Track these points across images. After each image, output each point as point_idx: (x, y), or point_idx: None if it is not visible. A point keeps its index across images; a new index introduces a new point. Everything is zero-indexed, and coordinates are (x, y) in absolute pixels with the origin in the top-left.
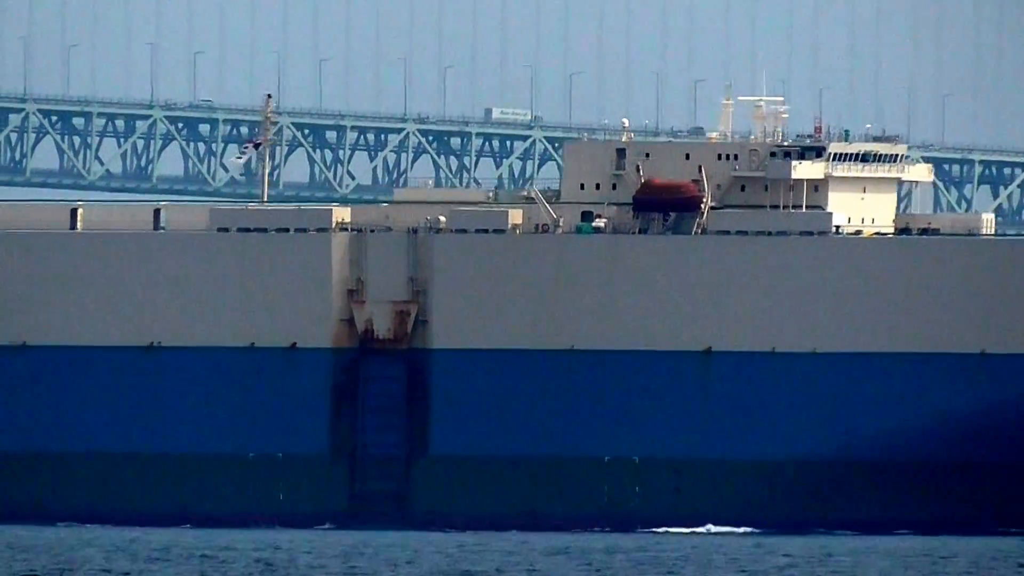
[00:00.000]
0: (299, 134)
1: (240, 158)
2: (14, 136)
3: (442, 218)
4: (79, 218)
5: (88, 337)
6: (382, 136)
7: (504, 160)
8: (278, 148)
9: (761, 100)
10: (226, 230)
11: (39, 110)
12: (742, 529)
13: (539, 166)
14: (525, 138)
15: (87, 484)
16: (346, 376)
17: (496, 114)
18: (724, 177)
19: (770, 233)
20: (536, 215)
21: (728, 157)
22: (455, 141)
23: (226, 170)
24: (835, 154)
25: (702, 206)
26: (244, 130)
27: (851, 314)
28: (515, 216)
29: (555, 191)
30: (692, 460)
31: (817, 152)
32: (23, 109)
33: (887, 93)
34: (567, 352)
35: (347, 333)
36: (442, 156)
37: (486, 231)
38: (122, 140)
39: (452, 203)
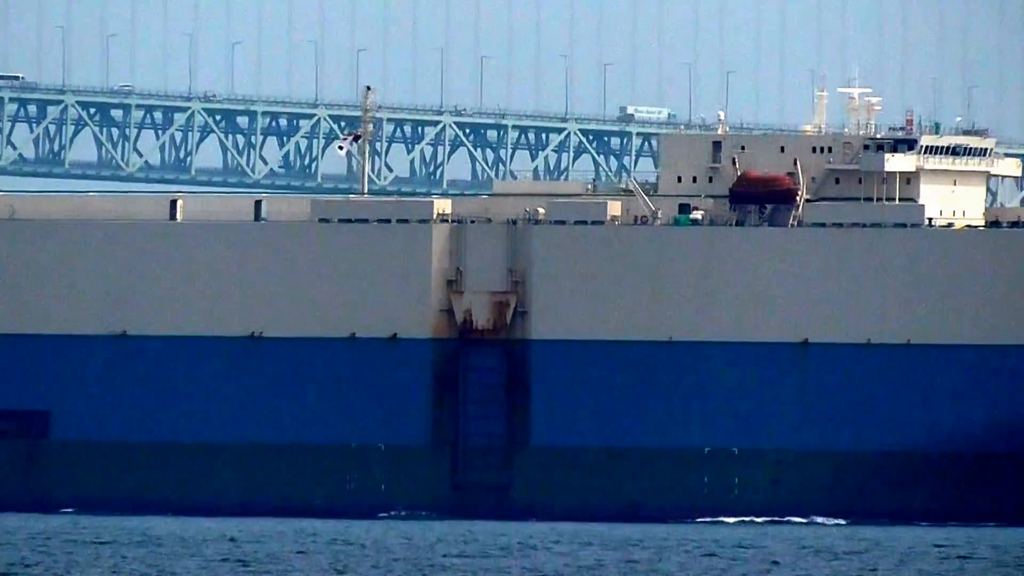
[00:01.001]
0: (336, 127)
1: (342, 149)
2: (52, 128)
3: (541, 209)
4: (179, 209)
5: (189, 327)
6: (419, 128)
7: (539, 152)
8: (315, 141)
9: (854, 93)
10: (327, 221)
11: (78, 102)
12: (835, 521)
13: (574, 159)
14: (560, 131)
15: (187, 474)
16: (446, 366)
17: (631, 111)
18: (818, 170)
19: (864, 225)
20: (634, 207)
21: (822, 150)
22: (491, 134)
23: (265, 162)
24: (927, 147)
25: (797, 198)
26: (283, 122)
27: (945, 306)
28: (613, 208)
29: (653, 184)
30: (790, 451)
31: (909, 145)
32: (62, 101)
33: (975, 87)
34: (665, 343)
35: (447, 323)
36: (478, 149)
37: (585, 223)
38: (160, 132)
39: (551, 195)
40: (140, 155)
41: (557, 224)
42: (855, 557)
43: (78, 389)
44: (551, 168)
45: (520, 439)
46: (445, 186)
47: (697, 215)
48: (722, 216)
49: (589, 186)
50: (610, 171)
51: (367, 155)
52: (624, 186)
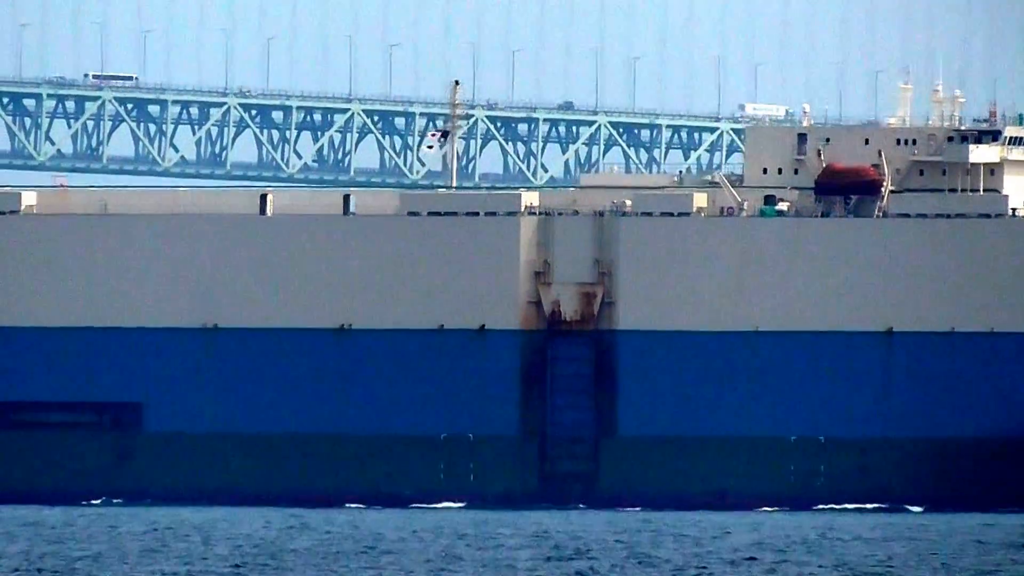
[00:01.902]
0: (369, 121)
1: (431, 147)
2: (90, 124)
3: (628, 201)
4: (269, 204)
5: (279, 320)
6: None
7: (570, 145)
8: (348, 136)
9: (938, 85)
10: (416, 214)
11: (115, 98)
12: (916, 508)
13: (604, 151)
14: (591, 123)
15: (277, 466)
16: (534, 357)
17: (749, 109)
18: (903, 161)
19: (948, 216)
20: (720, 199)
21: (907, 142)
22: (522, 127)
23: (299, 156)
24: (1011, 138)
25: (882, 190)
26: (317, 117)
27: None
28: (699, 200)
29: (738, 175)
30: (876, 439)
31: (993, 136)
32: (99, 97)
33: None
34: (752, 333)
35: (535, 315)
36: (510, 143)
37: (671, 214)
38: (196, 127)
39: (637, 187)
40: (176, 150)
41: (644, 216)
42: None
43: (170, 381)
44: (581, 161)
45: (607, 429)
46: (477, 180)
47: (782, 206)
48: (807, 207)
49: (675, 178)
50: (640, 163)
51: (455, 149)
52: (710, 178)
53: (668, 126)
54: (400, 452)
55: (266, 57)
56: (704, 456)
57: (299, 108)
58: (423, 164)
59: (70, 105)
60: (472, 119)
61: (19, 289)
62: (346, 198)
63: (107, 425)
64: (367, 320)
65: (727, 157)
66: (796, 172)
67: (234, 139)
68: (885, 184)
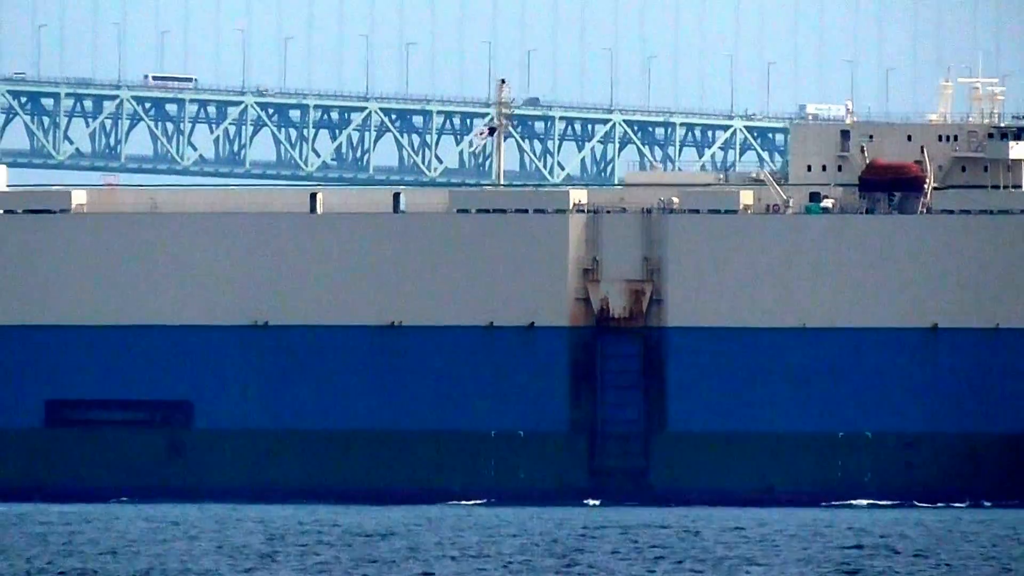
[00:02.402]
0: (387, 119)
1: (473, 145)
2: (109, 123)
3: (675, 199)
4: (319, 202)
5: (330, 317)
6: (468, 121)
7: (586, 143)
8: (366, 134)
9: (978, 82)
10: (466, 211)
11: (133, 97)
12: (959, 504)
13: (620, 149)
14: (605, 122)
15: (327, 462)
16: (583, 354)
17: (811, 109)
18: (945, 158)
19: (991, 212)
20: (766, 196)
21: (948, 138)
22: (539, 126)
23: (318, 155)
24: None
25: (925, 186)
26: (335, 115)
27: None
28: (746, 197)
29: (783, 173)
30: (921, 435)
31: None
32: (117, 96)
33: None
34: (798, 330)
35: (583, 312)
36: (527, 141)
37: (718, 211)
38: (214, 126)
39: (684, 185)
40: (195, 149)
41: (691, 213)
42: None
43: (220, 379)
44: (597, 159)
45: (657, 425)
46: (494, 177)
47: (827, 203)
48: (852, 204)
49: (721, 176)
50: (655, 160)
51: (502, 148)
52: (755, 176)
53: (682, 124)
54: (450, 448)
55: (283, 56)
56: (752, 452)
57: (316, 107)
58: (440, 161)
59: (88, 104)
60: (488, 117)
61: (71, 288)
62: (396, 196)
63: (158, 422)
64: (417, 317)
65: (741, 155)
66: (840, 169)
67: (252, 138)
68: (928, 180)
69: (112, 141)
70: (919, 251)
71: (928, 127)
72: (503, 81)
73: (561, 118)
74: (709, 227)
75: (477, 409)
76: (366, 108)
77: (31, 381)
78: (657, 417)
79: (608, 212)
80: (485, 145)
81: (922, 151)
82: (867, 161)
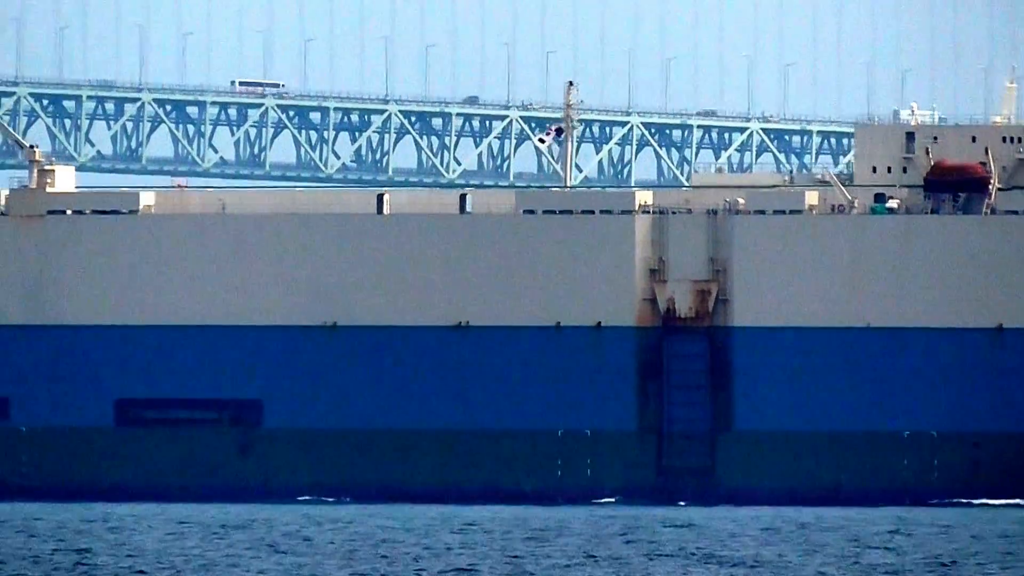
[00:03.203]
0: (406, 122)
1: (544, 143)
2: (129, 125)
3: (741, 200)
4: (386, 203)
5: (397, 317)
6: (487, 123)
7: (604, 146)
8: (385, 136)
9: None
10: (532, 212)
11: (154, 99)
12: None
13: (637, 152)
14: (623, 124)
15: (395, 461)
16: (650, 354)
17: (904, 115)
18: (1009, 159)
19: None
20: (831, 197)
21: (1013, 140)
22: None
23: (337, 156)
24: None
25: (990, 187)
26: (355, 118)
27: None
28: (811, 197)
29: (848, 174)
30: (988, 434)
31: None
32: (139, 99)
33: None
34: (863, 330)
35: (650, 312)
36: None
37: (783, 212)
38: (235, 128)
39: (748, 186)
40: (216, 150)
41: (757, 214)
42: None
43: (289, 379)
44: (615, 161)
45: (723, 424)
46: (512, 179)
47: (892, 204)
48: (917, 205)
49: (786, 177)
50: (672, 163)
51: (571, 149)
52: (820, 177)
53: (699, 126)
54: (518, 448)
55: (303, 58)
56: (818, 451)
57: (336, 109)
58: (459, 163)
59: (110, 107)
60: (507, 120)
61: (141, 288)
62: (462, 197)
63: (227, 422)
64: (484, 318)
65: (757, 157)
66: (905, 171)
67: (272, 140)
68: (992, 181)
69: (133, 143)
70: (984, 251)
71: (993, 128)
72: (571, 83)
73: (579, 120)
74: (774, 227)
75: (544, 409)
76: (386, 110)
77: (101, 380)
78: (723, 416)
79: (674, 213)
80: (551, 147)
81: (986, 152)
82: (932, 162)
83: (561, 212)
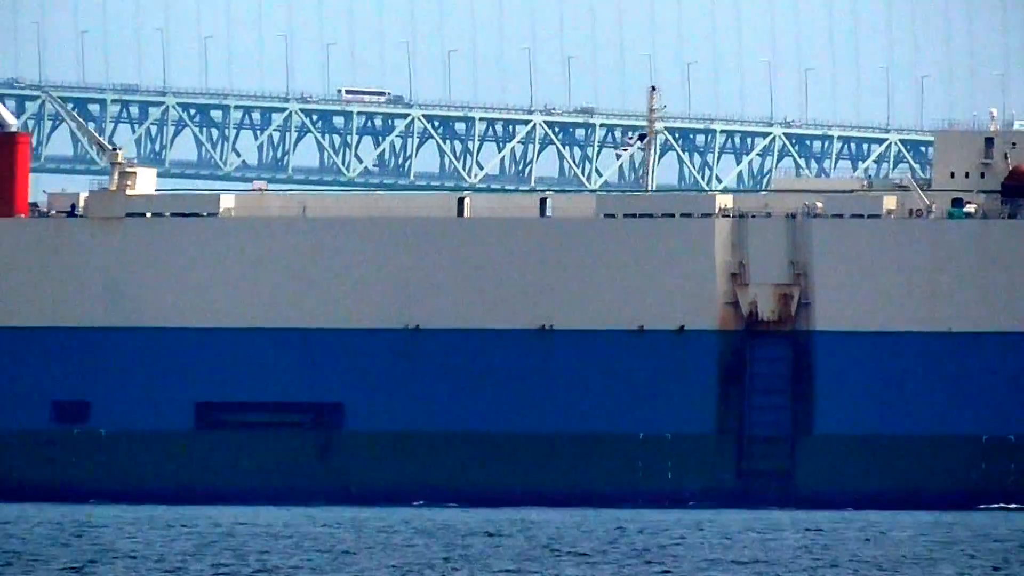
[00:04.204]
0: (429, 126)
1: (625, 149)
2: (153, 128)
3: (819, 204)
4: (466, 206)
5: (479, 320)
6: (510, 127)
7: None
8: (409, 140)
9: None
10: (612, 216)
11: (178, 103)
12: None
13: (660, 156)
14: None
15: (476, 464)
16: (732, 357)
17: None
18: None
19: None
20: (909, 201)
21: None
22: (578, 132)
23: (360, 160)
24: None
25: None
26: (378, 122)
27: None
28: (889, 202)
29: (926, 179)
30: None
31: None
32: (163, 103)
33: None
34: (944, 334)
35: (732, 315)
36: (566, 147)
37: (861, 216)
38: (258, 132)
39: (827, 191)
40: (238, 155)
41: (836, 218)
42: None
43: (371, 381)
44: (635, 165)
45: (804, 428)
46: (533, 183)
47: (970, 208)
48: (994, 210)
49: (864, 182)
50: (693, 167)
51: (652, 154)
52: (899, 182)
53: (723, 131)
54: (599, 451)
55: (326, 63)
56: (898, 455)
57: (359, 113)
58: (481, 167)
59: (134, 111)
60: (530, 124)
61: (221, 290)
62: (543, 201)
63: (308, 425)
64: (566, 321)
65: (778, 161)
66: (983, 176)
67: (295, 144)
68: None
69: (157, 147)
70: None
71: None
72: (653, 88)
73: (602, 125)
74: (853, 231)
75: (626, 412)
76: (409, 115)
77: (181, 384)
78: (804, 420)
79: (753, 217)
80: (632, 153)
81: None
82: (1010, 167)
83: (641, 216)
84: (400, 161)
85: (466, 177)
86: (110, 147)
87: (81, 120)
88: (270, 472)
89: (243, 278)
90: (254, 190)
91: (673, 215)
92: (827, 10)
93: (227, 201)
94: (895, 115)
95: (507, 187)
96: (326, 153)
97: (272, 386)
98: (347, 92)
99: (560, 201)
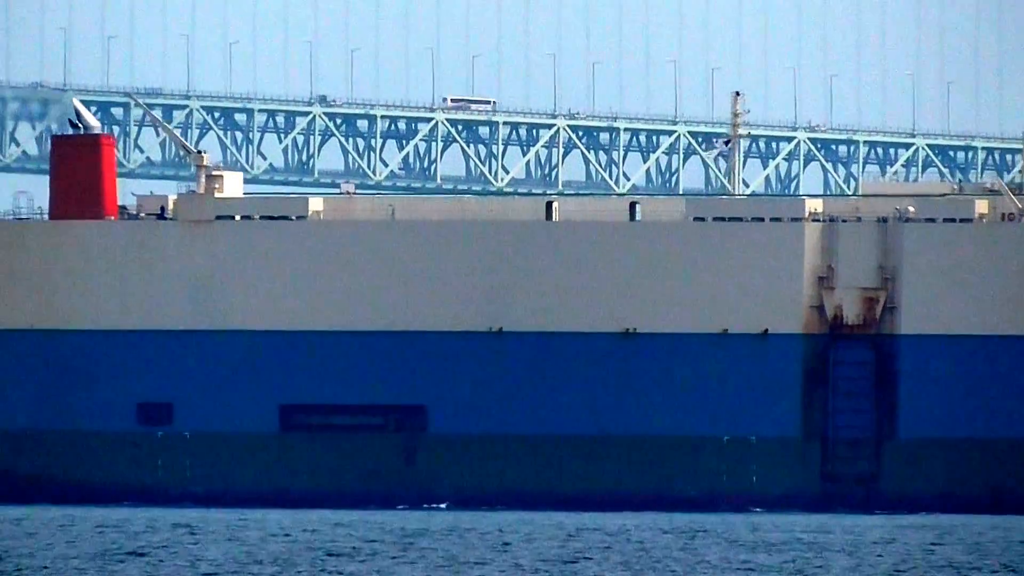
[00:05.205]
0: (453, 130)
1: (715, 152)
2: (178, 131)
3: (911, 208)
4: (555, 210)
5: (564, 323)
6: (534, 131)
7: (651, 154)
8: (433, 144)
9: None
10: (702, 220)
11: (202, 107)
12: None
13: (684, 161)
14: (670, 133)
15: (559, 467)
16: (816, 361)
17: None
18: None
19: None
20: (1001, 205)
21: None
22: (603, 136)
23: (385, 164)
24: None
25: None
26: (402, 126)
27: None
28: (981, 206)
29: (1019, 184)
30: None
31: None
32: (187, 106)
33: None
34: None
35: (817, 319)
36: (591, 152)
37: (953, 220)
38: (283, 136)
39: (917, 195)
40: (264, 157)
41: (927, 222)
42: None
43: (455, 384)
44: (662, 169)
45: (888, 431)
46: (560, 187)
47: None
48: None
49: (955, 186)
50: (719, 172)
51: (736, 158)
52: (991, 186)
53: (747, 136)
54: (683, 454)
55: (350, 67)
56: (982, 458)
57: (383, 117)
58: (506, 171)
59: (158, 114)
60: (554, 128)
61: (308, 293)
62: (632, 205)
63: (392, 427)
64: (651, 324)
65: (805, 166)
66: None
67: (320, 147)
68: None
69: (182, 150)
70: None
71: None
72: (737, 93)
73: (626, 130)
74: (945, 235)
75: (710, 415)
76: (432, 119)
77: (265, 386)
78: (888, 423)
79: (844, 221)
80: (720, 157)
81: None
82: None
83: (731, 220)
84: (425, 165)
85: (493, 181)
86: (195, 150)
87: (167, 124)
88: (353, 475)
89: (330, 281)
90: (342, 193)
91: (763, 219)
92: (855, 13)
93: (316, 204)
94: (920, 120)
95: (533, 190)
96: (350, 156)
97: (356, 388)
98: (451, 100)
99: (649, 205)
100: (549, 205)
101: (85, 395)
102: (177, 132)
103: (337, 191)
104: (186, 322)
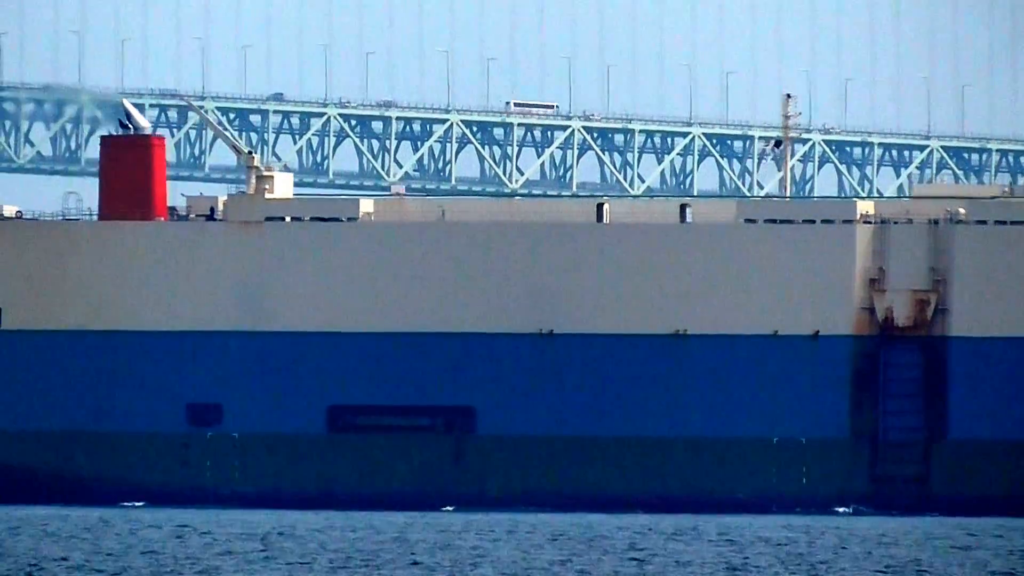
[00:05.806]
0: (468, 132)
1: (769, 155)
2: (193, 133)
3: (962, 210)
4: (606, 212)
5: (614, 325)
6: (548, 133)
7: (665, 156)
8: (448, 145)
9: None
10: (753, 222)
11: (217, 108)
12: None
13: (698, 162)
14: (684, 135)
15: (609, 469)
16: (866, 363)
17: None
18: None
19: None
20: None
21: None
22: (618, 138)
23: (400, 165)
24: None
25: None
26: (416, 127)
27: None
28: None
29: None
30: None
31: None
32: (202, 107)
33: None
34: None
35: (867, 321)
36: (606, 153)
37: (1005, 223)
38: (298, 137)
39: (969, 197)
40: (279, 159)
41: (978, 224)
42: None
43: (504, 386)
44: (676, 171)
45: (938, 433)
46: (575, 188)
47: None
48: None
49: (1006, 188)
50: (733, 174)
51: (789, 161)
52: None
53: (760, 137)
54: (733, 455)
55: (365, 69)
56: None
57: (398, 119)
58: (521, 173)
59: (173, 115)
60: (569, 130)
61: (357, 294)
62: (683, 207)
63: (441, 428)
64: (702, 326)
65: (819, 168)
66: None
67: (335, 148)
68: None
69: (197, 151)
70: None
71: None
72: (788, 96)
73: (640, 131)
74: (997, 237)
75: (760, 416)
76: (447, 120)
77: (313, 387)
78: (938, 425)
79: (895, 223)
80: (770, 158)
81: None
82: None
83: (782, 221)
84: (440, 166)
85: (507, 182)
86: (245, 150)
87: (219, 127)
88: (401, 476)
89: (380, 282)
90: (393, 194)
91: (814, 221)
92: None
93: (366, 205)
94: (935, 123)
95: (548, 192)
96: (365, 158)
97: (404, 390)
98: (514, 104)
99: (700, 207)
100: (600, 207)
101: (135, 396)
102: (192, 134)
103: (350, 193)
104: (235, 323)
